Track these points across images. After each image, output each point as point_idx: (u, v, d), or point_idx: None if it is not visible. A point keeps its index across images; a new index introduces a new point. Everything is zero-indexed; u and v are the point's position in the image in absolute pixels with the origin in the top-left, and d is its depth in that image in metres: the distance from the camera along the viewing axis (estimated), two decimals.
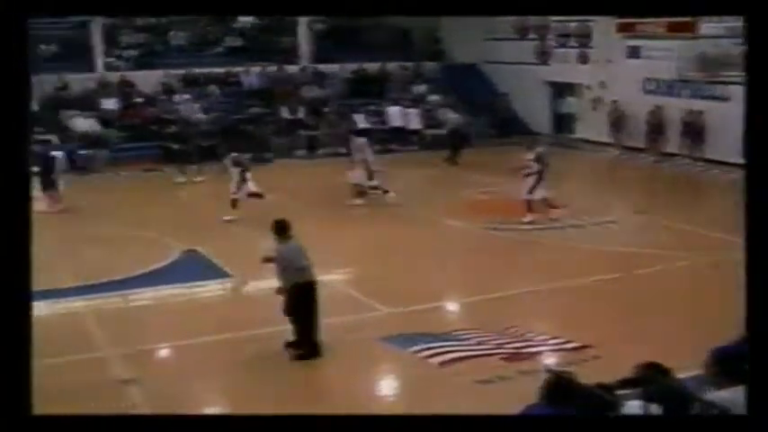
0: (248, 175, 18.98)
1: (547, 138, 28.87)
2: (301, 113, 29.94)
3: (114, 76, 29.92)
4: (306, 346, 10.59)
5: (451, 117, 28.78)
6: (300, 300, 10.49)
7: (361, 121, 29.36)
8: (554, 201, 18.04)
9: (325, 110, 30.41)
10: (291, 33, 32.57)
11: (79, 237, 17.75)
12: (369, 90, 31.86)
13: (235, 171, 18.93)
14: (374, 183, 20.44)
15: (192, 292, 14.10)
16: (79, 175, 24.36)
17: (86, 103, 28.67)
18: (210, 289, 14.24)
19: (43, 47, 29.28)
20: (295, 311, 10.56)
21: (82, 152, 26.37)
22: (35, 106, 28.04)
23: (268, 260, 10.85)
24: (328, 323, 10.94)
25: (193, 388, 10.10)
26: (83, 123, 27.66)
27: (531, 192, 17.73)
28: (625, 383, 6.41)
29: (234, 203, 18.47)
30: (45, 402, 9.17)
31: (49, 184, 20.00)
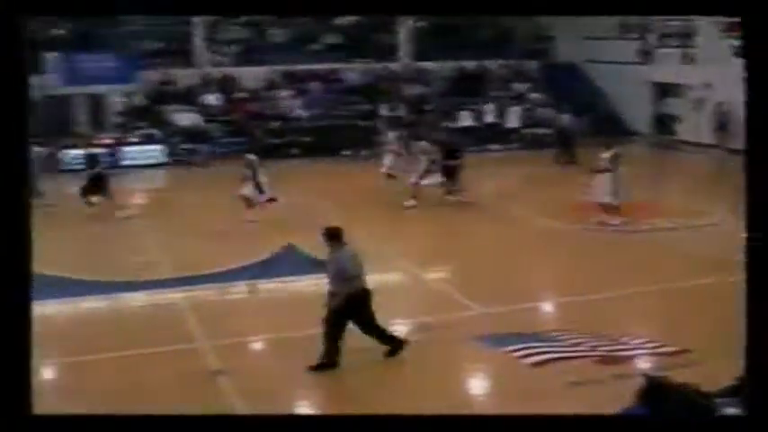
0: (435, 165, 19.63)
1: (647, 138, 28.33)
2: (401, 111, 30.04)
3: (217, 72, 30.47)
4: (333, 356, 10.34)
5: (561, 116, 28.38)
6: (352, 309, 10.29)
7: (465, 119, 29.35)
8: (617, 207, 17.57)
9: (426, 107, 30.41)
10: (392, 31, 32.64)
11: (181, 230, 18.19)
12: (469, 88, 31.75)
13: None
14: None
15: (290, 286, 14.24)
16: (182, 169, 24.86)
17: (189, 99, 29.29)
18: (308, 284, 14.32)
19: (148, 43, 30.03)
20: (339, 320, 10.29)
21: (184, 146, 26.99)
22: (141, 101, 28.82)
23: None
24: (422, 322, 10.88)
25: (284, 382, 10.17)
26: (185, 118, 28.27)
27: (607, 193, 17.30)
28: (726, 392, 6.24)
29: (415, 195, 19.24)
30: (140, 392, 9.48)
31: (95, 188, 19.57)
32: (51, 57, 27.55)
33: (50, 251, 13.49)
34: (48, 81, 27.57)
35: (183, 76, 29.91)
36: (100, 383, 10.01)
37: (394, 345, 10.60)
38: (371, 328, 10.45)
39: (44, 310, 11.29)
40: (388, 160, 21.21)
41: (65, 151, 25.86)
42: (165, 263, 15.37)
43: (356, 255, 10.44)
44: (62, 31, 28.69)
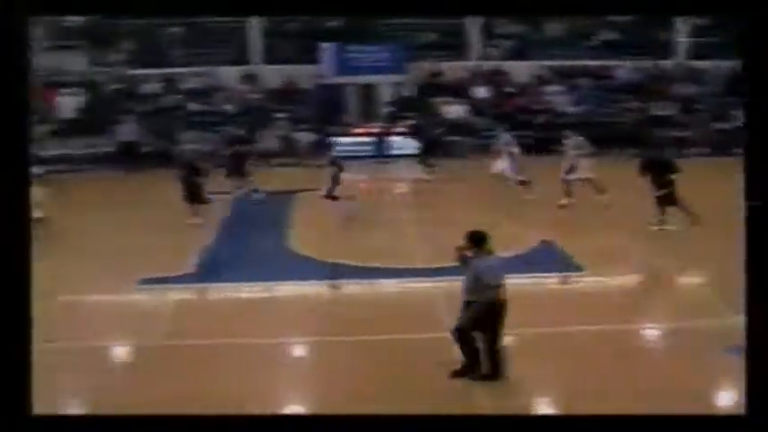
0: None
1: None
2: (671, 110, 28.59)
3: (488, 66, 30.30)
4: (475, 365, 9.78)
5: None
6: (489, 318, 9.65)
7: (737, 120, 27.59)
8: None
9: (698, 107, 28.82)
10: (669, 29, 31.20)
11: (436, 219, 18.16)
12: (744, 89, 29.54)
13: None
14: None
15: (546, 282, 13.99)
16: (445, 160, 24.91)
17: (458, 91, 29.29)
18: (560, 281, 13.92)
19: (422, 35, 30.35)
20: (472, 330, 9.72)
21: (451, 138, 27.02)
22: (411, 91, 29.18)
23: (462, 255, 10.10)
24: (682, 327, 10.03)
25: (534, 379, 9.80)
26: (454, 110, 28.31)
27: None
28: None
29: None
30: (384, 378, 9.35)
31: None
32: (325, 47, 28.49)
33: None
34: (321, 70, 28.59)
35: (453, 69, 29.95)
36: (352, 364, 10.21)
37: (495, 371, 9.78)
38: (493, 343, 9.74)
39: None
40: (502, 162, 20.40)
41: (334, 139, 26.61)
42: (421, 252, 15.38)
43: (500, 263, 9.87)
44: (337, 23, 29.56)
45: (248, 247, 16.58)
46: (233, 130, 26.59)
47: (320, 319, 11.98)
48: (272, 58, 29.76)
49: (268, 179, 22.94)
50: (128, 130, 26.79)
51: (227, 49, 30.41)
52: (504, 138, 21.30)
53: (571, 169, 19.24)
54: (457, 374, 9.70)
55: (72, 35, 29.26)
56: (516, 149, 20.51)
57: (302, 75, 29.04)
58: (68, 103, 28.09)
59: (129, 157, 26.11)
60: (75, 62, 29.30)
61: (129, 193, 22.31)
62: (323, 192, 18.58)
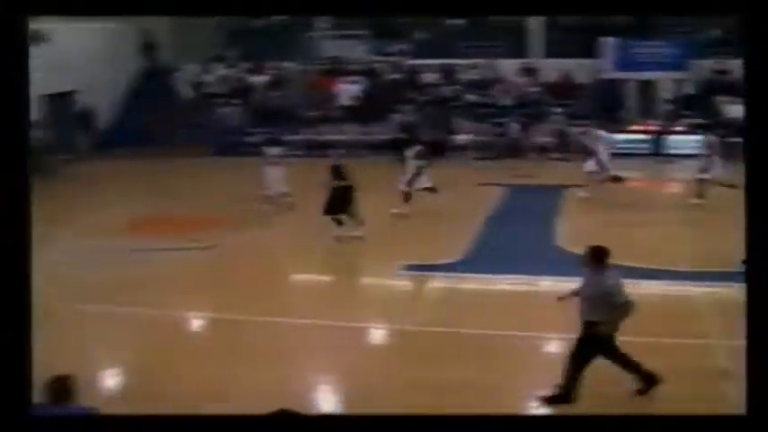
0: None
1: None
2: None
3: None
4: (571, 389, 8.98)
5: None
6: (609, 341, 9.10)
7: None
8: None
9: None
10: None
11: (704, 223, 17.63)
12: None
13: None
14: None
15: None
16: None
17: (741, 90, 27.82)
18: None
19: (708, 31, 29.17)
20: (591, 351, 9.11)
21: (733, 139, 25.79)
22: (693, 89, 28.13)
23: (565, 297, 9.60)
24: None
25: None
26: (736, 110, 26.99)
27: None
28: None
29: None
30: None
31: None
32: (607, 42, 28.05)
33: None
34: (601, 65, 28.18)
35: (739, 67, 28.48)
36: None
37: (648, 380, 9.24)
38: (622, 357, 9.22)
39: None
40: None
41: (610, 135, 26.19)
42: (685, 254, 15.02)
43: (621, 280, 9.14)
44: (618, 19, 28.94)
45: (514, 239, 16.70)
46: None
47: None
48: (551, 51, 29.68)
49: (540, 172, 22.99)
50: (405, 120, 27.61)
51: (506, 42, 30.62)
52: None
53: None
54: (552, 401, 8.91)
55: (356, 26, 30.49)
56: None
57: (580, 69, 28.75)
58: (348, 91, 29.29)
59: (405, 146, 26.88)
60: (358, 51, 30.57)
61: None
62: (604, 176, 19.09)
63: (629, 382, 9.24)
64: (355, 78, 29.74)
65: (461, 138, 27.25)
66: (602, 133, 21.11)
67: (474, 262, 14.95)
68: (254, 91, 30.47)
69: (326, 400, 10.10)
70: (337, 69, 30.59)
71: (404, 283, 14.32)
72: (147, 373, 10.65)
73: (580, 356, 9.11)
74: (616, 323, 8.96)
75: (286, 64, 31.10)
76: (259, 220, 18.24)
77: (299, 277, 15.47)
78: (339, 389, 10.38)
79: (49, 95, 28.24)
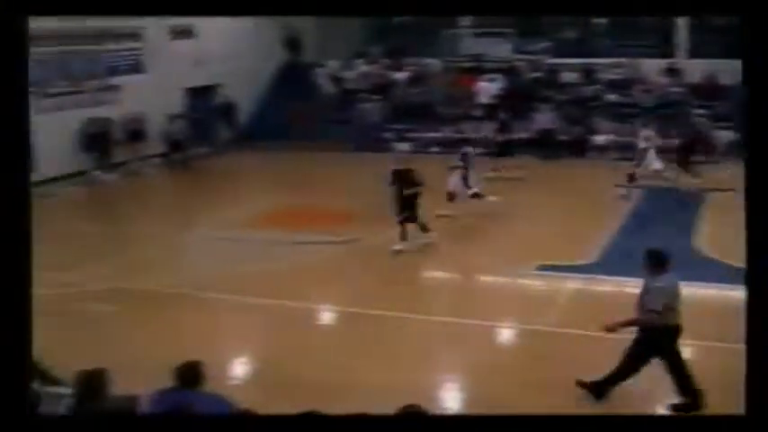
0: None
1: None
2: None
3: None
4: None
5: None
6: (662, 345, 8.99)
7: None
8: None
9: None
10: None
11: None
12: None
13: None
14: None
15: None
16: None
17: None
18: None
19: None
20: (645, 355, 9.05)
21: None
22: None
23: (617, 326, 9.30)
24: None
25: None
26: None
27: None
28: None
29: None
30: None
31: None
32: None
33: None
34: None
35: None
36: None
37: (692, 398, 8.88)
38: (678, 368, 9.04)
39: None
40: None
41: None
42: None
43: (678, 285, 9.12)
44: None
45: (651, 243, 16.41)
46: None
47: (718, 324, 11.42)
48: (696, 51, 28.95)
49: (679, 175, 22.54)
50: (545, 119, 27.48)
51: (650, 41, 30.05)
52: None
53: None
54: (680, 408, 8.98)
55: (500, 24, 30.43)
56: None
57: (725, 70, 27.94)
58: (488, 89, 29.27)
59: (545, 145, 26.77)
60: (501, 49, 30.51)
61: (540, 179, 22.92)
62: None
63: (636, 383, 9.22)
64: (494, 76, 29.70)
65: (600, 138, 26.89)
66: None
67: (610, 264, 14.81)
68: (395, 87, 30.80)
69: (453, 399, 10.25)
70: (478, 67, 30.62)
71: (538, 284, 14.30)
72: (276, 364, 11.02)
73: (637, 357, 9.13)
74: (660, 327, 8.96)
75: (427, 60, 31.31)
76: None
77: (433, 274, 15.64)
78: (467, 388, 10.50)
79: (192, 89, 29.29)
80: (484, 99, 29.15)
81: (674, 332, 9.11)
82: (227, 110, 30.63)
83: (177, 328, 12.38)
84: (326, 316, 13.57)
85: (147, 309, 13.21)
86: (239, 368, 11.27)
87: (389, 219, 16.27)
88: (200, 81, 29.47)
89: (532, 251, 15.67)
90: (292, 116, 29.93)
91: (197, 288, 13.99)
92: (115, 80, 26.13)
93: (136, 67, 27.50)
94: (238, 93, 30.78)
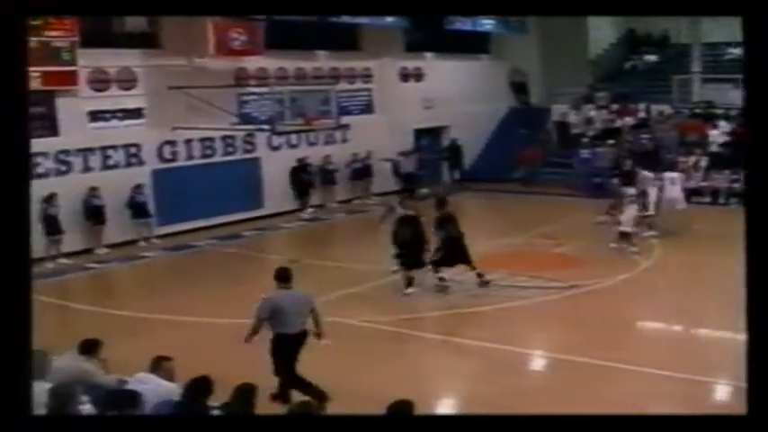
0: None
1: None
2: None
3: None
4: None
5: None
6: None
7: None
8: None
9: None
10: None
11: None
12: None
13: None
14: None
15: None
16: None
17: None
18: None
19: None
20: None
21: None
22: None
23: None
24: None
25: None
26: None
27: None
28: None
29: None
30: None
31: None
32: None
33: None
34: None
35: None
36: None
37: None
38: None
39: None
40: None
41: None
42: None
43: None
44: None
45: None
46: None
47: None
48: None
49: None
50: None
51: None
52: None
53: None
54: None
55: (728, 69, 29.43)
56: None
57: None
58: (717, 136, 28.37)
59: None
60: (730, 96, 29.48)
61: None
62: None
63: None
64: (721, 123, 28.73)
65: None
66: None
67: None
68: (622, 133, 30.25)
69: None
70: (708, 114, 29.68)
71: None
72: (484, 406, 10.89)
73: None
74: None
75: (655, 106, 30.67)
76: (619, 262, 18.21)
77: (653, 325, 15.18)
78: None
79: (420, 130, 29.90)
80: (713, 147, 28.24)
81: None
82: (454, 151, 31.06)
83: (373, 368, 12.56)
84: (538, 362, 13.41)
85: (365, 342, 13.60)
86: (444, 410, 11.29)
87: (613, 264, 15.83)
88: (428, 122, 30.07)
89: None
90: (519, 158, 30.03)
91: (404, 327, 14.29)
92: (346, 119, 26.12)
93: (367, 108, 28.40)
94: (465, 134, 31.15)
